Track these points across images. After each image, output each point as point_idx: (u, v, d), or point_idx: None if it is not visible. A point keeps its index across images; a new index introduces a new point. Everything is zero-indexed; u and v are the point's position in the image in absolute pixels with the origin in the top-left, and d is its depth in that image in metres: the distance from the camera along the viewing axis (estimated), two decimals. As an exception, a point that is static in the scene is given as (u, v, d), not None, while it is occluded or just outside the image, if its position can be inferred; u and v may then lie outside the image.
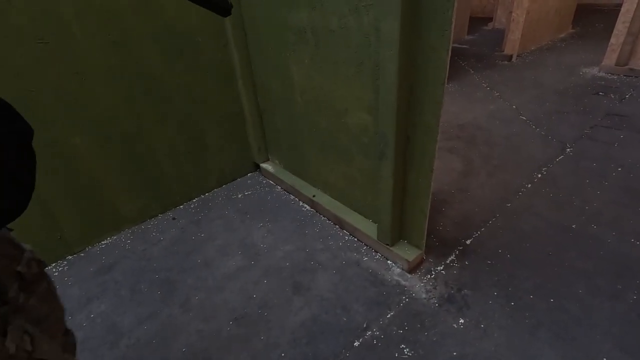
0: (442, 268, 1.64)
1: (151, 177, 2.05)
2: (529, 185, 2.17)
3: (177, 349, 1.38)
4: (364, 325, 1.41)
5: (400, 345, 1.33)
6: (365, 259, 1.73)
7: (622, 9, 3.47)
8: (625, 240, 1.71)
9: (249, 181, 2.46)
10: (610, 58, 3.75)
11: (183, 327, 1.46)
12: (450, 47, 1.14)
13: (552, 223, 1.85)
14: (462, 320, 1.40)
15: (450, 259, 1.69)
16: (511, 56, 4.53)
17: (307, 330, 1.41)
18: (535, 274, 1.57)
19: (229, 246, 1.88)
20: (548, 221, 1.87)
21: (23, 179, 0.55)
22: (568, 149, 2.51)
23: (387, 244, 1.66)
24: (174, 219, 2.13)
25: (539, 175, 2.25)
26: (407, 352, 1.31)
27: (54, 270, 1.81)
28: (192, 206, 2.23)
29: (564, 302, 1.44)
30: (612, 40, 3.66)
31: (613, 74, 3.75)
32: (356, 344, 1.35)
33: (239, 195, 2.30)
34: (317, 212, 2.09)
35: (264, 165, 2.46)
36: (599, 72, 3.85)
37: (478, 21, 6.67)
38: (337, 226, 1.96)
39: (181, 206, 2.24)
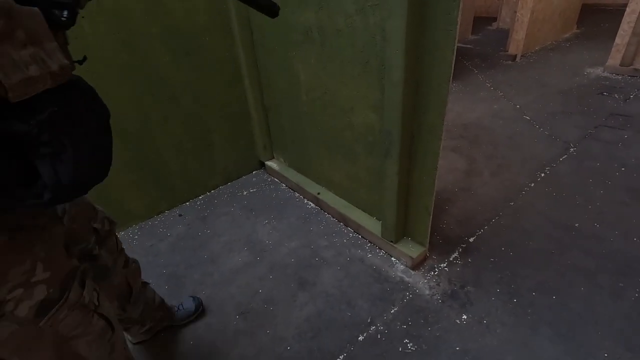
0: (445, 265, 1.66)
1: (158, 174, 2.08)
2: (532, 185, 2.18)
3: (185, 342, 1.41)
4: (368, 321, 1.44)
5: (403, 340, 1.35)
6: (370, 255, 1.75)
7: (627, 9, 3.47)
8: (627, 239, 1.72)
9: (254, 179, 2.48)
10: (614, 58, 3.74)
11: (190, 321, 1.49)
12: (455, 47, 1.16)
13: (554, 222, 1.87)
14: (464, 317, 1.42)
15: (453, 256, 1.71)
16: (515, 56, 4.53)
17: (312, 325, 1.44)
18: (537, 272, 1.59)
19: (235, 242, 1.91)
20: (551, 220, 1.88)
21: (103, 151, 0.65)
22: (572, 149, 2.52)
23: (391, 241, 1.68)
24: (180, 215, 2.16)
25: (542, 175, 2.27)
26: (411, 346, 1.33)
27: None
28: (198, 203, 2.26)
29: (566, 300, 1.45)
30: (617, 40, 3.66)
31: (617, 74, 3.75)
32: (360, 338, 1.37)
33: (244, 193, 2.33)
34: (321, 209, 2.11)
35: (269, 163, 2.49)
36: (604, 72, 3.85)
37: (482, 21, 6.65)
38: (341, 223, 1.98)
39: (187, 203, 2.27)
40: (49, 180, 0.54)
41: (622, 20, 3.53)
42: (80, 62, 0.70)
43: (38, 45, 0.52)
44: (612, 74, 3.78)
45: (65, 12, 0.57)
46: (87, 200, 0.92)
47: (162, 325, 1.42)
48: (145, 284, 1.29)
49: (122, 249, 1.09)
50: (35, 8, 0.52)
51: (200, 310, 1.51)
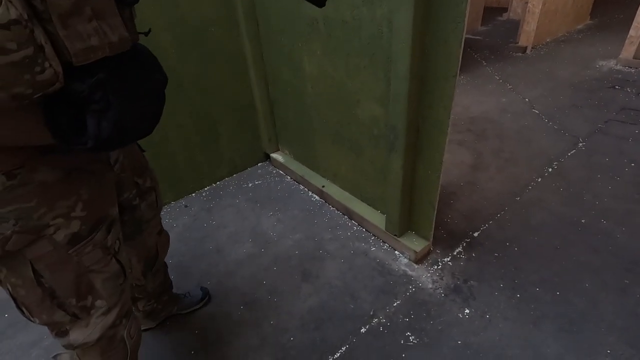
0: (449, 259, 1.66)
1: (164, 166, 2.10)
2: (539, 180, 2.16)
3: (190, 331, 1.44)
4: (371, 313, 1.45)
5: (405, 332, 1.37)
6: (373, 249, 1.76)
7: (643, 0, 3.38)
8: (635, 235, 1.70)
9: (259, 171, 2.49)
10: (628, 51, 3.65)
11: (195, 310, 1.51)
12: (463, 40, 1.14)
13: (561, 217, 1.85)
14: (467, 311, 1.43)
15: (457, 250, 1.71)
16: (526, 48, 4.44)
17: (315, 316, 1.45)
18: (542, 268, 1.58)
19: (240, 234, 1.92)
20: (557, 215, 1.87)
21: (155, 111, 0.78)
22: (580, 144, 2.48)
23: (395, 235, 1.69)
24: (186, 206, 2.18)
25: (550, 170, 2.24)
26: (413, 339, 1.34)
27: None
28: (203, 194, 2.28)
29: (569, 296, 1.45)
30: (631, 32, 3.57)
31: (631, 67, 3.66)
32: (363, 330, 1.39)
33: (250, 185, 2.34)
34: (326, 202, 2.12)
35: (274, 155, 2.49)
36: (616, 65, 3.76)
37: (492, 11, 6.51)
38: (345, 216, 1.99)
39: (193, 194, 2.29)
40: (91, 132, 0.63)
41: (637, 11, 3.43)
42: (146, 34, 0.81)
43: (102, 20, 0.63)
44: (625, 67, 3.70)
45: None
46: (143, 156, 1.04)
47: (167, 312, 1.45)
48: (165, 263, 1.34)
49: (160, 218, 1.18)
50: None
51: (206, 300, 1.54)
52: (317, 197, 2.17)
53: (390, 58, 1.35)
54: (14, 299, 0.76)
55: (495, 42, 5.01)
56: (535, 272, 1.56)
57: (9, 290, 0.75)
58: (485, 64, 4.21)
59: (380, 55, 1.41)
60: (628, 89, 3.22)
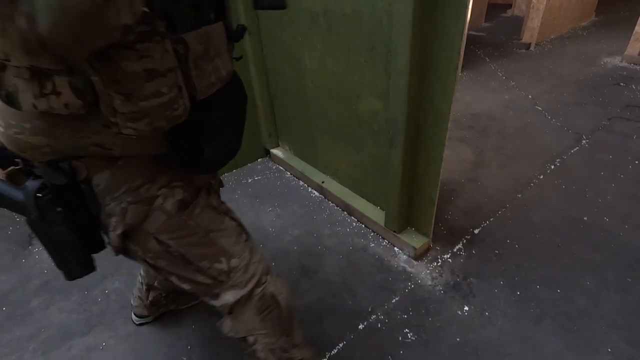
0: (448, 256, 1.65)
1: (164, 160, 2.09)
2: (542, 177, 2.14)
3: (187, 325, 1.43)
4: (369, 309, 1.44)
5: (404, 329, 1.36)
6: (372, 245, 1.75)
7: (649, -4, 3.33)
8: (637, 234, 1.68)
9: (259, 166, 2.48)
10: (633, 47, 3.61)
11: (193, 305, 1.51)
12: (465, 33, 1.12)
13: (563, 215, 1.83)
14: (466, 308, 1.41)
15: (457, 247, 1.70)
16: (529, 44, 4.40)
17: (313, 312, 1.44)
18: (542, 265, 1.56)
19: (239, 229, 1.91)
20: (559, 213, 1.85)
21: (239, 135, 0.86)
22: (584, 141, 2.46)
23: (395, 231, 1.67)
24: (185, 201, 2.17)
25: (552, 167, 2.22)
26: (411, 336, 1.33)
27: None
28: (203, 189, 2.27)
29: (570, 294, 1.44)
30: (637, 28, 3.52)
31: (636, 64, 3.62)
32: (361, 326, 1.38)
33: (249, 180, 2.33)
34: (325, 198, 2.10)
35: (274, 151, 2.48)
36: (621, 62, 3.72)
37: (496, 8, 6.44)
38: (345, 212, 1.98)
39: (192, 189, 2.27)
40: (207, 157, 0.73)
41: (643, 7, 3.39)
42: (237, 59, 0.87)
43: (218, 57, 0.69)
44: (630, 64, 3.65)
45: (240, 26, 0.77)
46: None
47: (166, 307, 1.44)
48: None
49: None
50: (222, 25, 0.69)
51: None
52: (316, 193, 2.16)
53: (390, 51, 1.33)
54: (159, 271, 0.82)
55: (498, 38, 4.96)
56: (535, 270, 1.55)
57: (150, 264, 0.80)
58: (488, 60, 4.17)
59: (381, 48, 1.39)
60: (633, 86, 3.19)
